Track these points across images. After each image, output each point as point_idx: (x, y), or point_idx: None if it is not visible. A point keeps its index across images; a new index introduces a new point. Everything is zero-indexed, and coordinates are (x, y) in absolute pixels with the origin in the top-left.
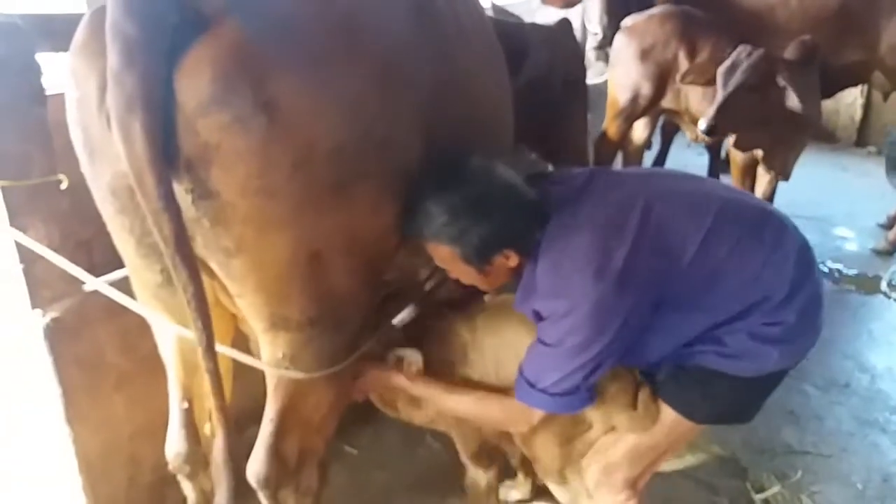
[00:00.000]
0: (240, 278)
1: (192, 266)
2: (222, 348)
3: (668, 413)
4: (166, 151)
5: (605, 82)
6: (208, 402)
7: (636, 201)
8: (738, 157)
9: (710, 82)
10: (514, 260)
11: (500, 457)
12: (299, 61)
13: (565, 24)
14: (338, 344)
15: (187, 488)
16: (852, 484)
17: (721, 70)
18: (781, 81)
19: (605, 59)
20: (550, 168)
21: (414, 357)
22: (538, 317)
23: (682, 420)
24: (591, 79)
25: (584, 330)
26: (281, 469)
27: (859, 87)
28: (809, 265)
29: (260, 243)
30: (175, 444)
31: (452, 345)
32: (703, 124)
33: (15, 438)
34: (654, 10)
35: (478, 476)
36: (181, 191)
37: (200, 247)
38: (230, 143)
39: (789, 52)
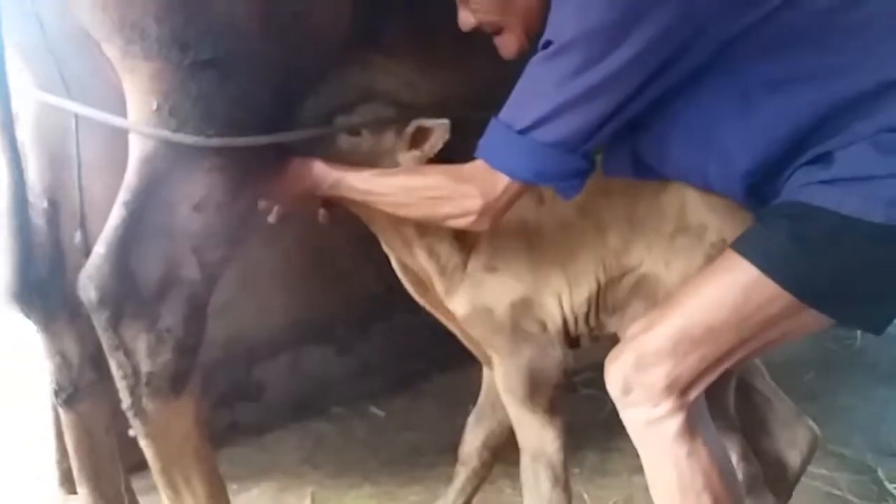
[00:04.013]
0: None
1: None
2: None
3: (742, 268)
4: None
5: None
6: None
7: None
8: None
9: None
10: None
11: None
12: None
13: None
14: (234, 100)
15: None
16: None
17: None
18: None
19: None
20: None
21: (442, 126)
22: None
23: (758, 276)
24: None
25: (597, 9)
26: (127, 288)
27: None
28: None
29: None
30: None
31: None
32: None
33: None
34: None
35: (545, 438)
36: None
37: None
38: None
39: None
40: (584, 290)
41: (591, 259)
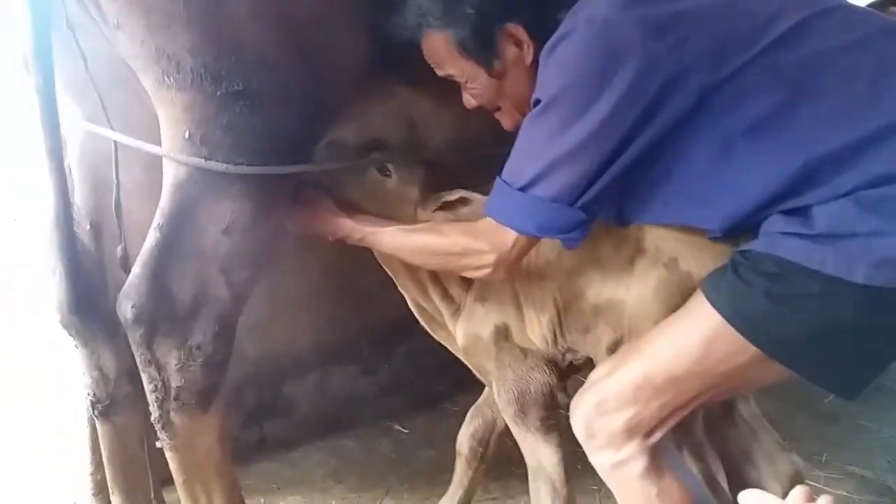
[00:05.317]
0: None
1: None
2: None
3: (706, 314)
4: None
5: None
6: None
7: None
8: None
9: None
10: (528, 48)
11: (559, 415)
12: None
13: None
14: (262, 130)
15: None
16: None
17: None
18: None
19: None
20: None
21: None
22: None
23: (726, 329)
24: None
25: (576, 63)
26: (161, 307)
27: None
28: None
29: None
30: None
31: None
32: None
33: None
34: None
35: (541, 454)
36: None
37: None
38: None
39: None
40: (546, 315)
41: (550, 285)
